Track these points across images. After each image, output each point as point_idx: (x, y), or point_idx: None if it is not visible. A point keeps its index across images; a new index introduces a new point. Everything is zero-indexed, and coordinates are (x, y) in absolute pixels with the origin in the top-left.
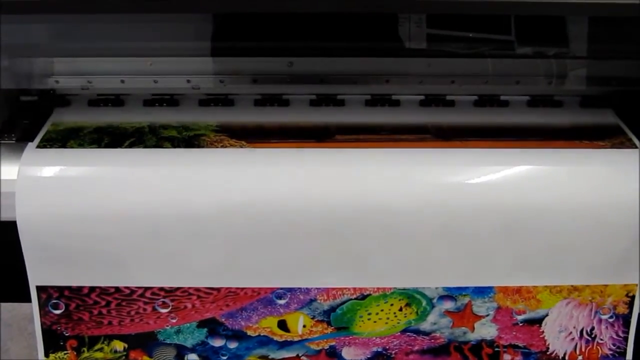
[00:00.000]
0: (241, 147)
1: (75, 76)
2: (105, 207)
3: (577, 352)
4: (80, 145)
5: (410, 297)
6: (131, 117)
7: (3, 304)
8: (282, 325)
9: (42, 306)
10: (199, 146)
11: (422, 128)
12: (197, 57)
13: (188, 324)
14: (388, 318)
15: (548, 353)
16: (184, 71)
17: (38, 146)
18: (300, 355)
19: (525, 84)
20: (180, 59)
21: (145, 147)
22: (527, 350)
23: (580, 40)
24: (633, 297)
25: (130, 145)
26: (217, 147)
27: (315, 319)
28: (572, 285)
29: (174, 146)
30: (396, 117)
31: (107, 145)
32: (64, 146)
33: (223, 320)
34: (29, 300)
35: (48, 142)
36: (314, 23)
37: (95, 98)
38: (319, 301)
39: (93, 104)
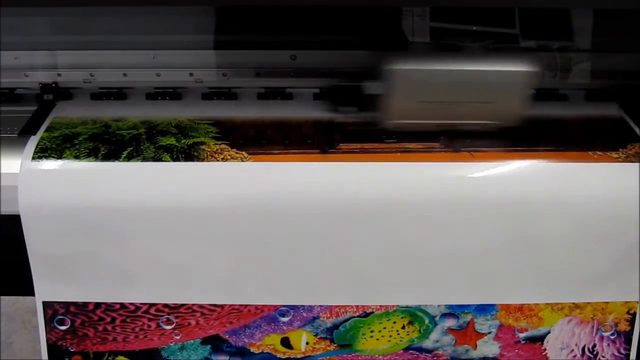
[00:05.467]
0: (242, 159)
1: (78, 69)
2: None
3: None
4: (76, 157)
5: (413, 314)
6: (134, 111)
7: (6, 297)
8: (285, 342)
9: (47, 322)
10: (198, 158)
11: (430, 134)
12: (200, 50)
13: (192, 341)
14: (391, 336)
15: None
16: (187, 64)
17: (33, 157)
18: None
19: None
20: (183, 52)
21: (144, 158)
22: None
23: (585, 33)
24: (634, 315)
25: (129, 156)
26: (218, 160)
27: (318, 336)
28: (573, 303)
29: (172, 158)
30: None
31: (104, 156)
32: (59, 157)
33: (227, 337)
34: (31, 293)
35: (43, 153)
36: (318, 16)
37: (98, 91)
38: (322, 318)
39: (95, 98)
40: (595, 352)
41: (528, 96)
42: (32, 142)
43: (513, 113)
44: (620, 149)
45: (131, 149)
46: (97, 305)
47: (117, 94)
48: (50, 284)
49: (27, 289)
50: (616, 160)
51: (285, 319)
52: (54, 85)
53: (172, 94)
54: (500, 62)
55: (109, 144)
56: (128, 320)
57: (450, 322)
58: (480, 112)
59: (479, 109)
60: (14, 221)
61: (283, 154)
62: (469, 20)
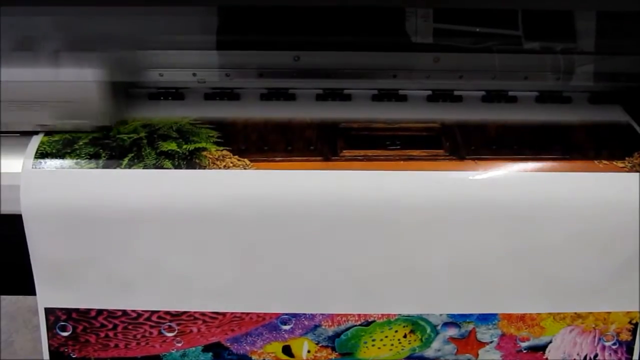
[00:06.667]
0: (244, 166)
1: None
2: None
3: None
4: (77, 163)
5: (415, 323)
6: (136, 111)
7: (7, 297)
8: (287, 350)
9: (49, 328)
10: (200, 165)
11: (434, 139)
12: (203, 51)
13: (193, 348)
14: (392, 344)
15: None
16: (189, 64)
17: (35, 158)
18: None
19: (533, 79)
20: (185, 52)
21: (145, 165)
22: None
23: (589, 35)
24: (636, 325)
25: (130, 163)
26: (220, 167)
27: (320, 345)
28: (575, 313)
29: (174, 165)
30: (403, 112)
31: (105, 162)
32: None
33: (228, 344)
34: (32, 293)
35: (42, 157)
36: (321, 17)
37: None
38: (323, 327)
39: None
40: None
41: (103, 95)
42: (35, 141)
43: (94, 112)
44: (627, 157)
45: (132, 155)
46: (99, 312)
47: None
48: (53, 291)
49: (28, 289)
50: (622, 169)
51: (286, 327)
52: None
53: (174, 94)
54: (65, 63)
55: (110, 149)
56: (130, 327)
57: (452, 331)
58: (64, 112)
59: (60, 108)
60: (15, 221)
61: (285, 161)
62: (473, 22)
